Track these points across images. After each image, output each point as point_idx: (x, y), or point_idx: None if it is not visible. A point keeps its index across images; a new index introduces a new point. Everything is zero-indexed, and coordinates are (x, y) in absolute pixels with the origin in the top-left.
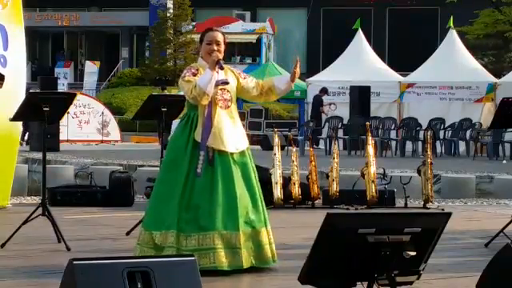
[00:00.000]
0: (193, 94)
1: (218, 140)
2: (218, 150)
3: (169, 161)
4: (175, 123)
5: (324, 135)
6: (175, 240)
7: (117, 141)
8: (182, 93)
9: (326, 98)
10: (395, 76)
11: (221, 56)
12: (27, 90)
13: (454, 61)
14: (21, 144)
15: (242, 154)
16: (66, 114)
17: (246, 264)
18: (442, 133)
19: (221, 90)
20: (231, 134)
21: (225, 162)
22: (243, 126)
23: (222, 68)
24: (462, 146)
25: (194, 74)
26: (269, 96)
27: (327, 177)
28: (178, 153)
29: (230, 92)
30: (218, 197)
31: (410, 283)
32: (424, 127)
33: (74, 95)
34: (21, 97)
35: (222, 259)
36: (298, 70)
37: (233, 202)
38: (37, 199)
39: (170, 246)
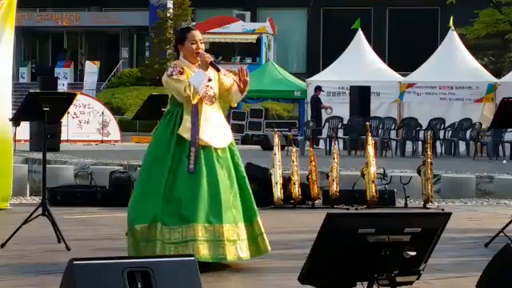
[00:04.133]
0: (187, 93)
1: (203, 135)
2: (202, 146)
3: (152, 156)
4: None
5: (324, 135)
6: (159, 233)
7: (117, 141)
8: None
9: (323, 98)
10: (395, 76)
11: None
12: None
13: (454, 61)
14: None
15: (225, 150)
16: (66, 114)
17: (229, 257)
18: (442, 133)
19: (205, 87)
20: (216, 129)
21: (209, 156)
22: (244, 126)
23: (218, 70)
24: (462, 146)
25: (181, 73)
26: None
27: (327, 177)
28: (162, 149)
29: (214, 89)
30: (201, 190)
31: (410, 283)
32: (424, 127)
33: (74, 95)
34: (7, 100)
35: (204, 251)
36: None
37: (216, 196)
38: (37, 199)
39: (154, 240)
